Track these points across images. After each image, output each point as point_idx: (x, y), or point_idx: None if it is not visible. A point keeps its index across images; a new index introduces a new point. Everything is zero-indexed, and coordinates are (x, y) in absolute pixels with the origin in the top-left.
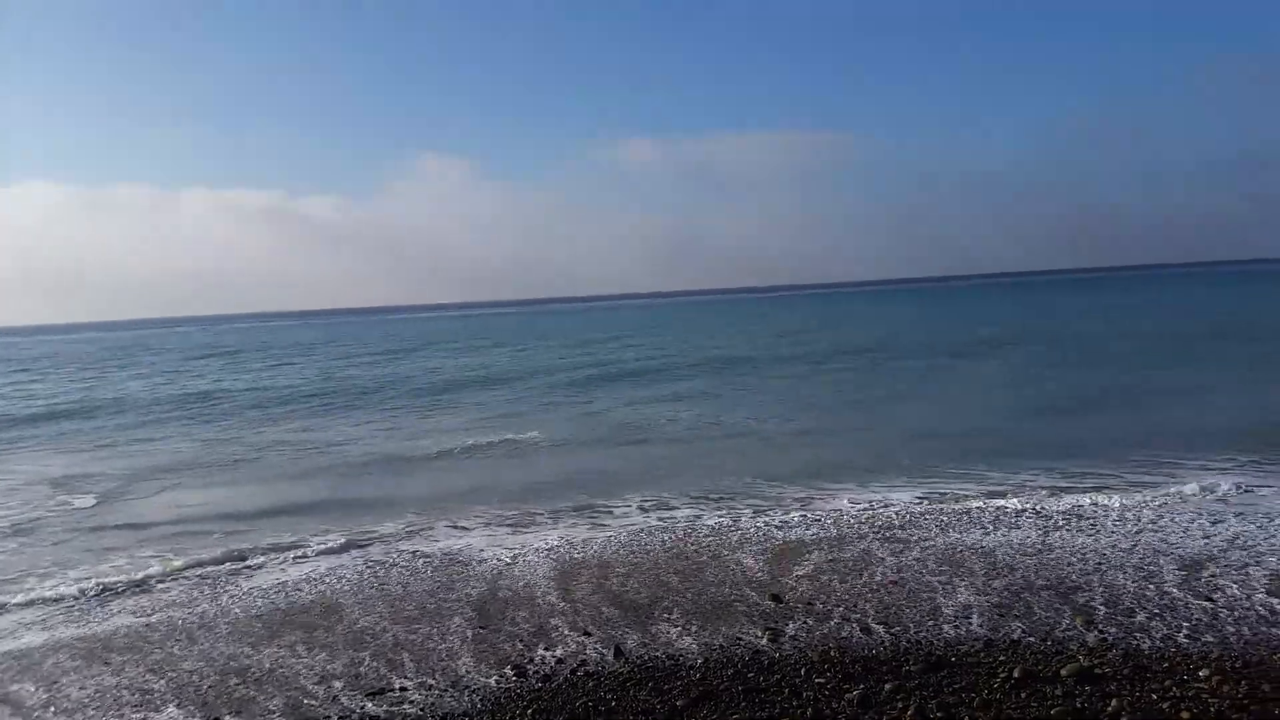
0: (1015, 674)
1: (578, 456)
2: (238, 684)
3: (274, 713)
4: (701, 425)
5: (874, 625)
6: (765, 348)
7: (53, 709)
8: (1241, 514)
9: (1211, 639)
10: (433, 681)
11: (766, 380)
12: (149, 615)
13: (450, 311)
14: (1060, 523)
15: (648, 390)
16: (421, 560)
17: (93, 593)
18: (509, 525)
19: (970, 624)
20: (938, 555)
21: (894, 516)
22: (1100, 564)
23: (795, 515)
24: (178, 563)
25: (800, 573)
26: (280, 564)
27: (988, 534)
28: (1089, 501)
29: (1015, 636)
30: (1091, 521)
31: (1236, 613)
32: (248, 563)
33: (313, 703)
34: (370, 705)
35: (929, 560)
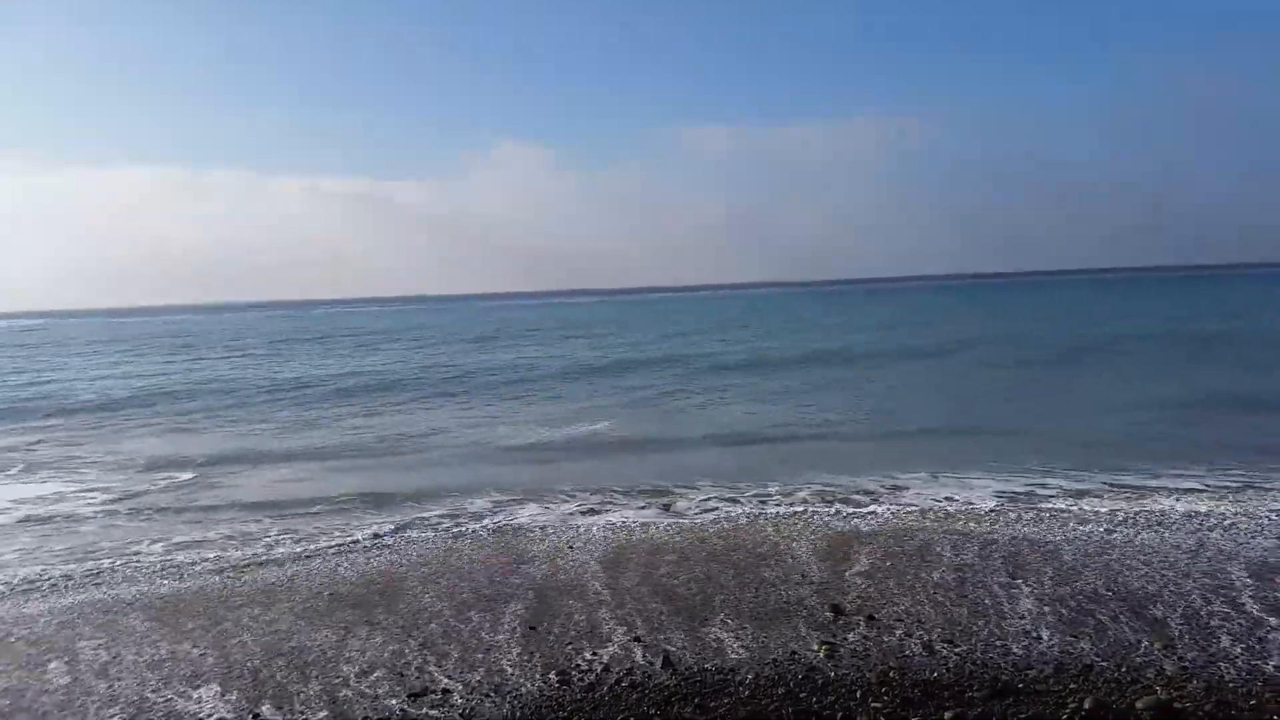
0: (1086, 705)
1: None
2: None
3: (314, 702)
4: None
5: (937, 643)
6: (871, 341)
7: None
8: None
9: None
10: (476, 681)
11: (869, 379)
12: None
13: (522, 300)
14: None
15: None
16: (489, 538)
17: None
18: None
19: (1039, 644)
20: (1006, 556)
21: (966, 512)
22: (1166, 567)
23: (870, 508)
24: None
25: (859, 570)
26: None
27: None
28: (1170, 504)
29: (1087, 661)
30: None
31: None
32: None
33: (349, 693)
34: (410, 709)
35: (995, 560)
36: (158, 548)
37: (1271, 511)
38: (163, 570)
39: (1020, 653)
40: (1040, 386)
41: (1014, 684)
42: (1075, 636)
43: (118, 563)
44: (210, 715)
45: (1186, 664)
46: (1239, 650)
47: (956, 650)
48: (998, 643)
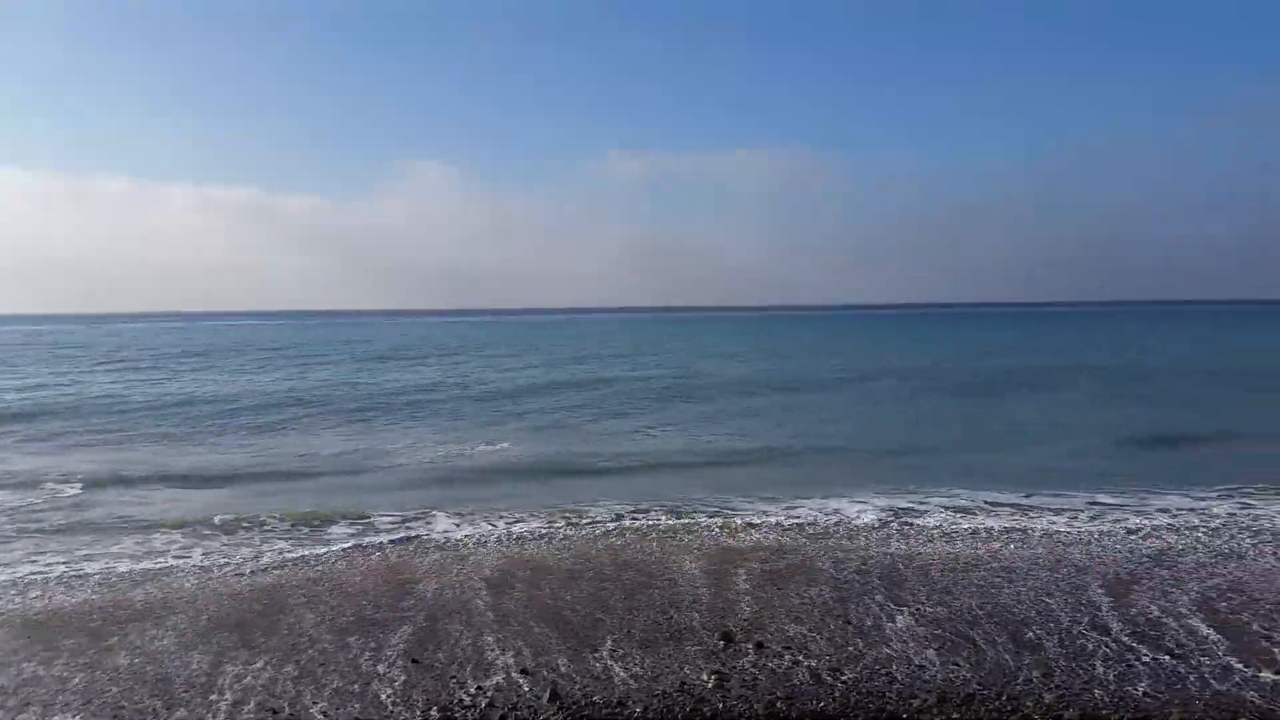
0: None
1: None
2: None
3: None
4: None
5: (823, 671)
6: (763, 371)
7: None
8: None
9: (1166, 693)
10: (353, 717)
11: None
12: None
13: (431, 318)
14: (996, 537)
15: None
16: (379, 558)
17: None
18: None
19: (922, 672)
20: (882, 574)
21: (850, 530)
22: (1031, 584)
23: (760, 526)
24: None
25: (746, 589)
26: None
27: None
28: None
29: (970, 690)
30: (1022, 539)
31: (1191, 662)
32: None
33: None
34: None
35: (873, 578)
36: (39, 563)
37: (1123, 530)
38: (44, 585)
39: (904, 680)
40: (936, 415)
41: (899, 714)
42: (956, 663)
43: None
44: None
45: (1063, 691)
46: (1111, 676)
47: (842, 679)
48: (882, 671)
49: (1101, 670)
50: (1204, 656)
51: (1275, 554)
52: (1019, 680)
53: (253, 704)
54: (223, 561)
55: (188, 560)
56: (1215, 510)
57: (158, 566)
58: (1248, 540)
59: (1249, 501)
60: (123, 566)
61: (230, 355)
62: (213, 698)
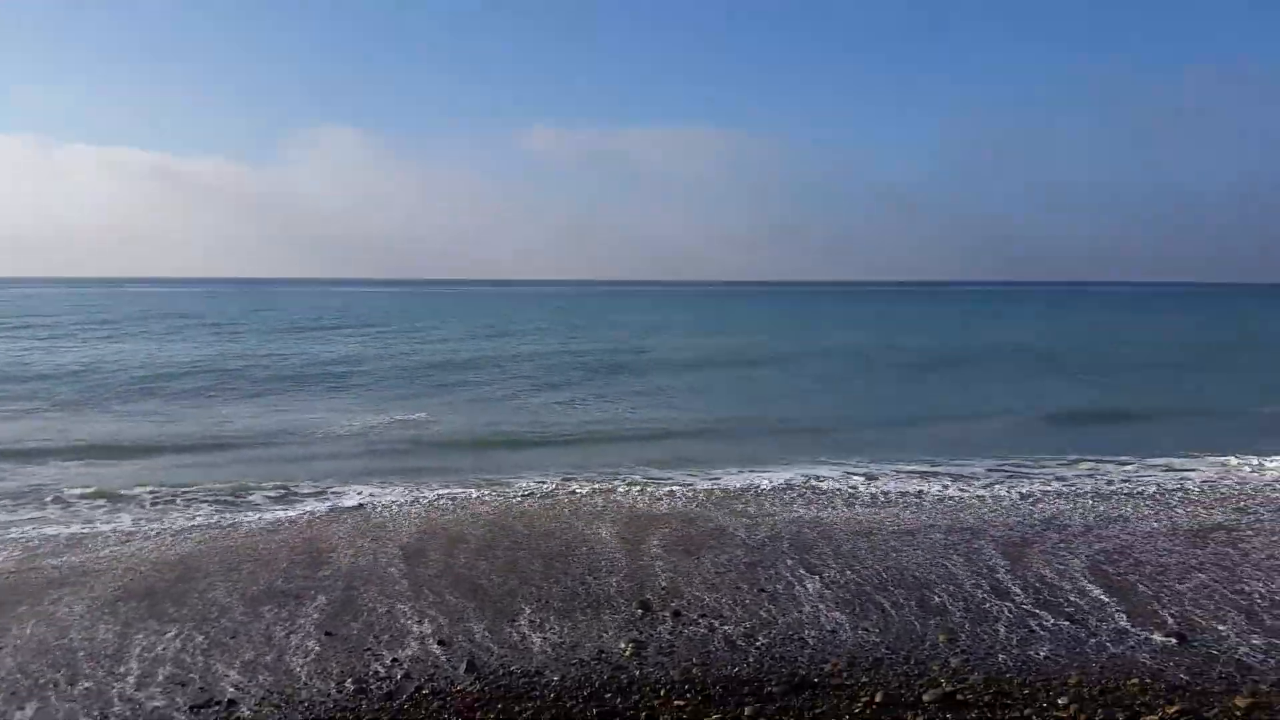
0: (877, 698)
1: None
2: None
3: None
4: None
5: (738, 637)
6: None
7: None
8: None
9: (1066, 656)
10: (265, 689)
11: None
12: None
13: (350, 287)
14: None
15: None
16: (294, 526)
17: None
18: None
19: (833, 637)
20: (792, 540)
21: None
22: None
23: (675, 491)
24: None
25: (660, 555)
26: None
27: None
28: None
29: (878, 654)
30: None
31: (1088, 626)
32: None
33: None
34: None
35: (783, 543)
36: None
37: (1016, 494)
38: None
39: (815, 645)
40: (865, 392)
41: (810, 678)
42: (865, 629)
43: None
44: None
45: (968, 655)
46: (1014, 640)
47: (756, 644)
48: (795, 636)
49: (1004, 634)
50: (1099, 620)
51: (1156, 516)
52: (925, 645)
53: (161, 676)
54: (138, 530)
55: (103, 528)
56: (1111, 476)
57: (71, 534)
58: (1133, 505)
59: (1143, 467)
60: (35, 534)
61: (137, 323)
62: (120, 669)
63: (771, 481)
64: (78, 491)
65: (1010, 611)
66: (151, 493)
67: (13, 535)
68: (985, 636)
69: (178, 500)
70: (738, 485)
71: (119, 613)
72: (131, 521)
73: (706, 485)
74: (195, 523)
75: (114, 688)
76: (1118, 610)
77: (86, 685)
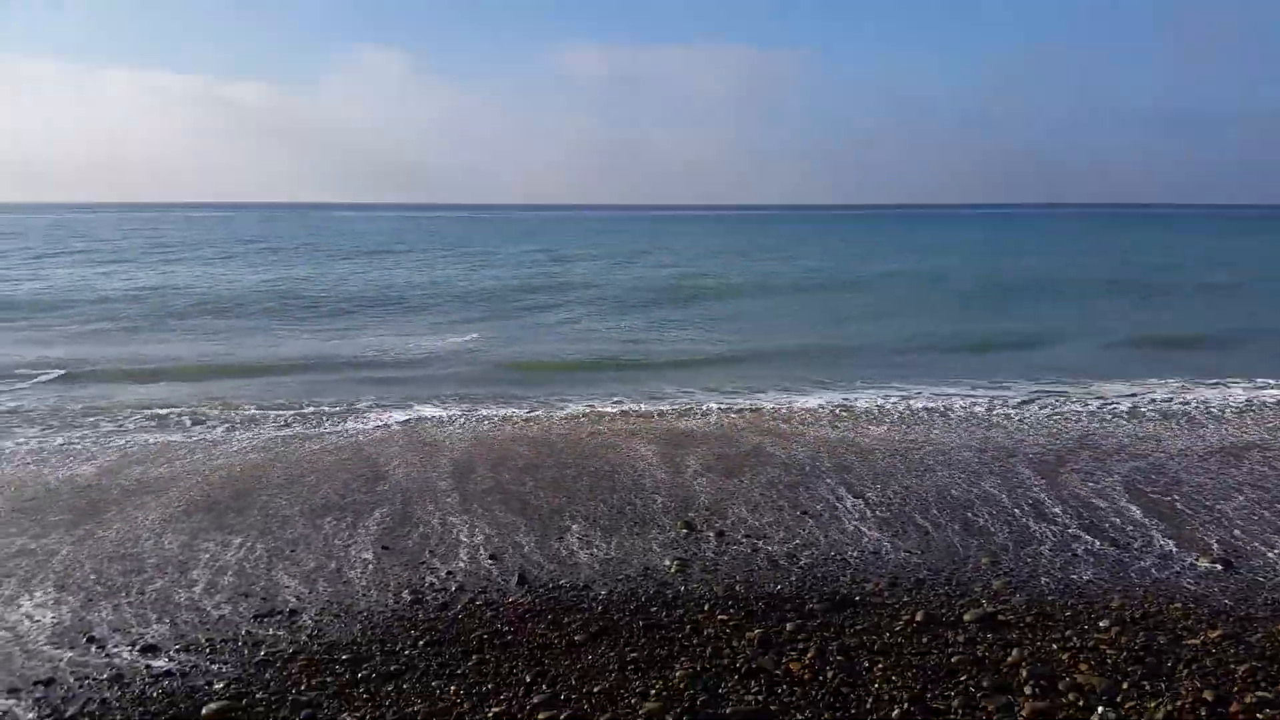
0: (918, 618)
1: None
2: None
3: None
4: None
5: (780, 557)
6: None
7: None
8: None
9: (1108, 579)
10: (325, 599)
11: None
12: None
13: (388, 212)
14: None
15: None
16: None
17: None
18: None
19: (875, 559)
20: (832, 460)
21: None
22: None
23: (726, 412)
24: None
25: (703, 472)
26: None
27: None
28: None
29: (920, 575)
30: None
31: (1134, 550)
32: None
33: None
34: (255, 629)
35: (823, 462)
36: (31, 439)
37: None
38: (37, 460)
39: (857, 564)
40: (920, 315)
41: (852, 597)
42: (907, 551)
43: None
44: (39, 629)
45: (1010, 578)
46: (1057, 564)
47: (798, 564)
48: (836, 556)
49: (1047, 556)
50: (1142, 544)
51: (1188, 435)
52: (967, 567)
53: (227, 583)
54: (209, 441)
55: (179, 438)
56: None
57: (145, 446)
58: (1170, 425)
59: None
60: (114, 445)
61: (192, 248)
62: (194, 575)
63: (812, 399)
64: (146, 411)
65: (1050, 533)
66: (220, 411)
67: (89, 445)
68: (1028, 559)
69: (243, 418)
70: (775, 406)
71: (189, 523)
72: (201, 433)
73: (750, 405)
74: (261, 438)
75: (181, 594)
76: (1160, 533)
77: (159, 601)
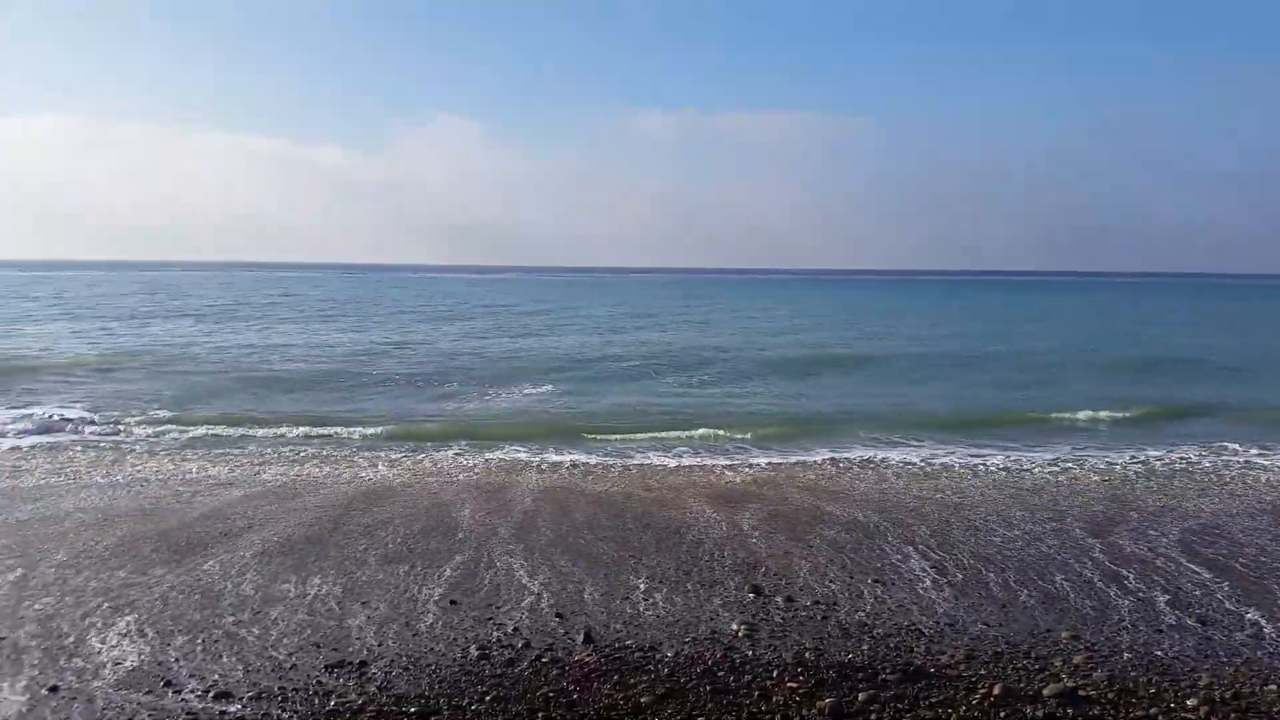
0: (995, 691)
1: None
2: None
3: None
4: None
5: (852, 625)
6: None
7: None
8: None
9: (1193, 655)
10: (394, 651)
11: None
12: None
13: (461, 273)
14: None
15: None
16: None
17: None
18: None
19: (950, 628)
20: (896, 519)
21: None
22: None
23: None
24: None
25: (768, 528)
26: None
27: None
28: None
29: (998, 648)
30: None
31: (1219, 629)
32: None
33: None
34: (325, 679)
35: (887, 530)
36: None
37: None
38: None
39: (931, 634)
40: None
41: (926, 668)
42: (985, 624)
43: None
44: (119, 660)
45: (1092, 652)
46: (1140, 639)
47: (871, 632)
48: (909, 625)
49: (1129, 634)
50: (1225, 616)
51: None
52: (1045, 640)
53: (301, 629)
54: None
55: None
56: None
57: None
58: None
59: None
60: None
61: (315, 305)
62: (269, 615)
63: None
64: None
65: (1130, 604)
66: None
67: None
68: (1108, 632)
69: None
70: (851, 459)
71: (270, 564)
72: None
73: (817, 459)
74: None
75: (257, 640)
76: (1245, 606)
77: (232, 641)
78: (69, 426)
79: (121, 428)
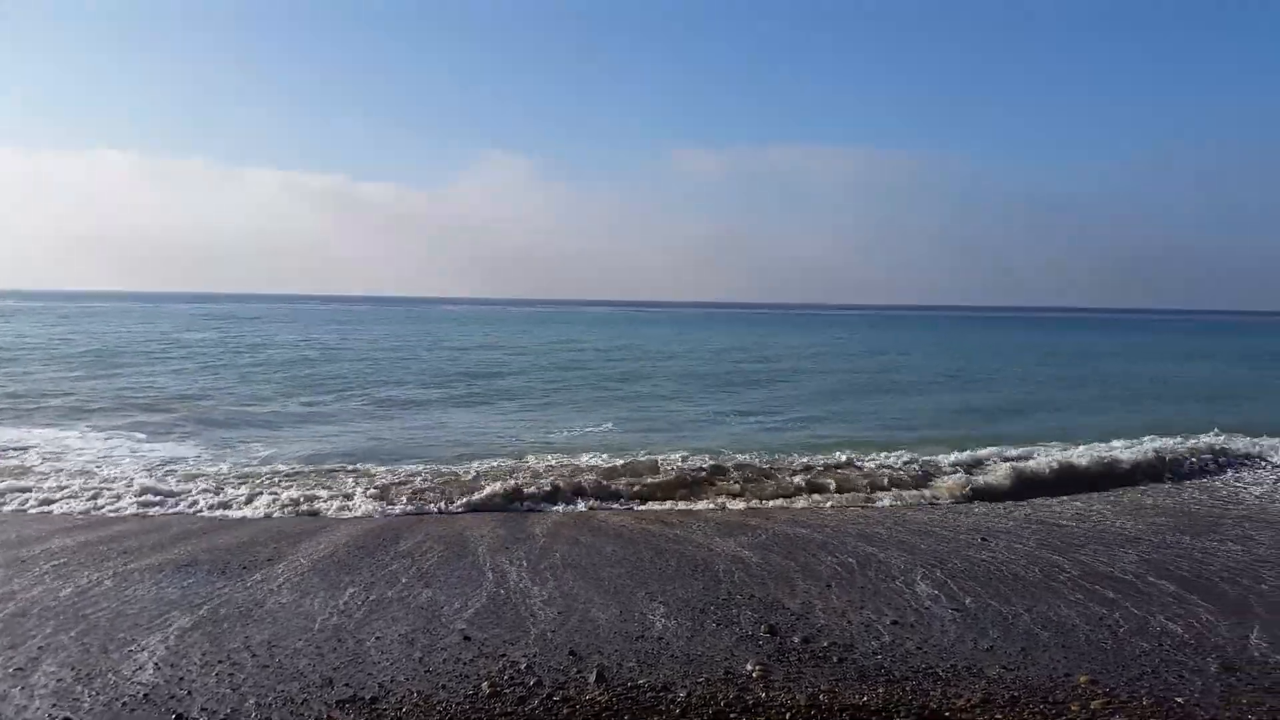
0: None
1: None
2: None
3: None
4: None
5: (869, 667)
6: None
7: None
8: None
9: (1218, 703)
10: (403, 690)
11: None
12: None
13: (522, 307)
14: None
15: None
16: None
17: None
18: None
19: (968, 671)
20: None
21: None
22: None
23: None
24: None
25: (792, 568)
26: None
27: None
28: None
29: (1014, 693)
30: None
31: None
32: None
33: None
34: (335, 714)
35: (917, 560)
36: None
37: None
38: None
39: (946, 677)
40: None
41: (942, 712)
42: (1005, 667)
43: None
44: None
45: (1110, 699)
46: (1158, 685)
47: (886, 675)
48: (926, 668)
49: (1149, 680)
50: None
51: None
52: (1062, 682)
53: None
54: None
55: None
56: None
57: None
58: None
59: None
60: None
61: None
62: (282, 658)
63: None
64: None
65: (1147, 643)
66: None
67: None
68: (1126, 674)
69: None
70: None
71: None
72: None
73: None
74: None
75: (271, 676)
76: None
77: (250, 679)
78: None
79: None
